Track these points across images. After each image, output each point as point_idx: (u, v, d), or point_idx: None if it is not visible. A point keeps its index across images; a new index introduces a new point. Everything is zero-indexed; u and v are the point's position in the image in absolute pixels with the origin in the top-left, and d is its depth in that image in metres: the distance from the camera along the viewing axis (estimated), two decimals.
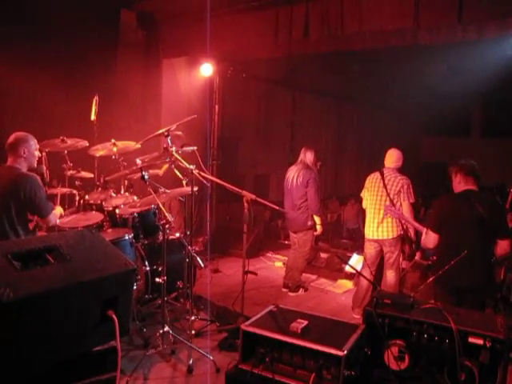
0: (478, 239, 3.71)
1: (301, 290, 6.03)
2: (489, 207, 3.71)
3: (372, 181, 5.11)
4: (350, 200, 9.40)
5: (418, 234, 4.90)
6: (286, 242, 8.83)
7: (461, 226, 3.77)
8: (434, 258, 5.84)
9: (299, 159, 5.85)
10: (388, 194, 4.92)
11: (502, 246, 3.72)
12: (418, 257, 6.00)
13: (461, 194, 3.85)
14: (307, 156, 5.79)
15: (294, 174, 5.80)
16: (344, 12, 5.58)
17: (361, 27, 5.50)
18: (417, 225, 4.54)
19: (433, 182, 12.41)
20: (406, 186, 4.91)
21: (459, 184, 3.88)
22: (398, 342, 2.77)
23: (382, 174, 5.04)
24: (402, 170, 5.12)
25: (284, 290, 6.08)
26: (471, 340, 2.61)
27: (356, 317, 5.11)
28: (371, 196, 5.08)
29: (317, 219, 5.80)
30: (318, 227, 5.86)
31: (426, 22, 5.03)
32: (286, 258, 7.46)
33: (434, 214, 4.11)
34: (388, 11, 5.30)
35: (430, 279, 3.56)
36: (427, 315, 2.79)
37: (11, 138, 3.70)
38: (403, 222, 4.92)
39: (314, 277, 6.80)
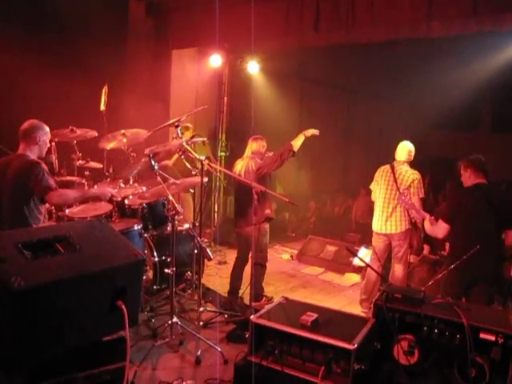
0: (489, 230, 3.85)
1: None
2: (499, 199, 3.93)
3: (382, 174, 5.06)
4: (360, 191, 9.26)
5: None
6: (294, 235, 8.84)
7: (473, 217, 3.91)
8: (443, 252, 5.85)
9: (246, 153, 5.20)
10: (398, 189, 4.88)
11: (511, 236, 3.88)
12: (426, 251, 5.97)
13: (473, 188, 3.98)
14: (255, 147, 5.13)
15: (240, 169, 5.06)
16: (355, 3, 5.51)
17: (372, 19, 5.42)
18: (425, 214, 4.50)
19: (441, 176, 12.32)
20: (416, 181, 4.87)
21: (469, 178, 4.01)
22: (407, 336, 2.76)
23: (393, 168, 4.99)
24: (410, 165, 5.07)
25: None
26: (482, 336, 2.59)
27: (364, 311, 5.09)
28: (380, 189, 5.03)
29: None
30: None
31: (440, 13, 4.95)
32: (294, 251, 7.48)
33: (447, 206, 4.28)
34: (400, 2, 5.22)
35: (441, 274, 3.55)
36: (438, 310, 2.77)
37: (26, 125, 3.67)
38: (412, 215, 4.88)
39: (321, 269, 6.78)
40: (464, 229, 3.96)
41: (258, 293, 5.08)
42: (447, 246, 5.16)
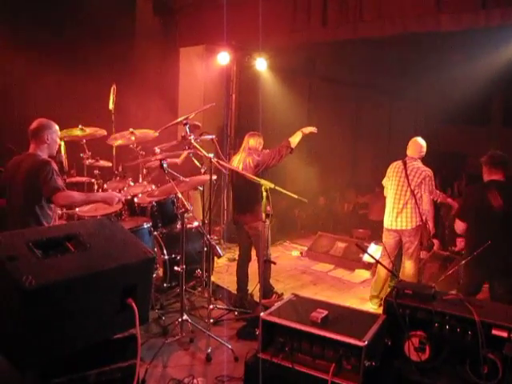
0: (500, 226, 3.91)
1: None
2: (509, 196, 3.93)
3: (394, 170, 5.03)
4: (375, 190, 9.12)
5: (436, 225, 4.88)
6: (303, 231, 8.82)
7: (483, 214, 4.00)
8: (453, 248, 5.83)
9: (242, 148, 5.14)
10: (409, 185, 4.85)
11: None
12: (436, 247, 5.93)
13: (485, 185, 4.08)
14: (252, 143, 5.06)
15: (238, 164, 5.01)
16: None
17: (380, 13, 5.38)
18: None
19: (452, 171, 12.22)
20: (427, 178, 4.84)
21: (485, 174, 4.13)
22: (418, 333, 2.74)
23: (405, 164, 4.95)
24: (422, 161, 5.04)
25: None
26: (495, 332, 2.56)
27: (373, 307, 5.07)
28: (392, 185, 5.01)
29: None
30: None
31: (448, 6, 4.89)
32: (304, 248, 7.47)
33: (461, 204, 4.45)
34: None
35: (452, 269, 3.54)
36: (449, 306, 2.75)
37: (35, 124, 3.70)
38: (422, 212, 4.85)
39: (331, 266, 6.77)
40: (477, 224, 4.06)
41: (267, 290, 5.08)
42: (458, 241, 5.15)
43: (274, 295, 5.22)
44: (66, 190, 3.65)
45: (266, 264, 4.89)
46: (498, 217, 3.91)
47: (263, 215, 4.00)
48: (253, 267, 6.27)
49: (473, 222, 4.12)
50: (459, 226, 4.25)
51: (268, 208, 4.52)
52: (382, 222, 5.20)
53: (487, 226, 3.97)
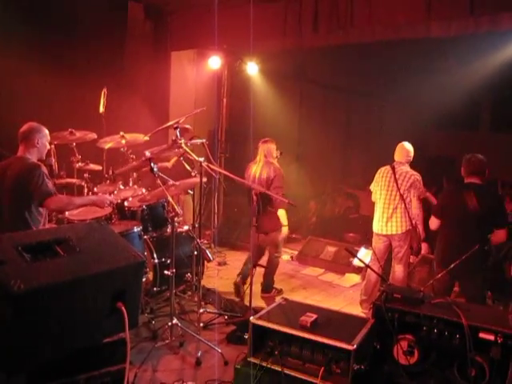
0: (472, 227, 4.04)
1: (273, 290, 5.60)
2: (486, 199, 4.06)
3: (383, 175, 5.06)
4: (365, 188, 9.12)
5: (426, 229, 4.92)
6: (294, 236, 8.82)
7: (457, 214, 4.15)
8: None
9: (258, 156, 5.34)
10: (398, 189, 4.89)
11: (497, 235, 4.08)
12: (424, 250, 5.98)
13: (462, 186, 4.22)
14: (266, 149, 5.28)
15: (255, 172, 5.25)
16: (353, 3, 5.52)
17: (370, 19, 5.43)
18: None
19: (441, 176, 12.30)
20: (417, 183, 4.88)
21: (463, 176, 4.26)
22: (407, 336, 2.76)
23: (394, 169, 4.99)
24: (410, 165, 5.08)
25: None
26: (482, 335, 2.59)
27: (364, 311, 5.09)
28: (381, 190, 5.03)
29: (282, 215, 5.20)
30: (284, 229, 5.28)
31: (438, 14, 4.96)
32: (294, 252, 7.48)
33: (438, 202, 4.58)
34: (398, 2, 5.23)
35: (442, 273, 3.57)
36: (437, 310, 2.77)
37: (25, 127, 3.68)
38: (412, 216, 4.89)
39: (321, 270, 6.78)
40: (450, 223, 4.23)
41: (269, 284, 5.48)
42: (423, 245, 5.25)
43: (274, 290, 5.55)
44: (57, 194, 3.64)
45: (273, 260, 5.40)
46: (472, 218, 4.02)
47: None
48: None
49: (447, 220, 4.26)
50: (433, 222, 4.38)
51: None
52: (371, 217, 5.21)
53: (460, 225, 4.11)
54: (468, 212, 4.03)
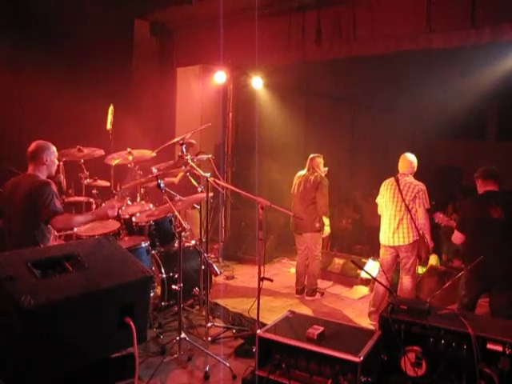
0: (500, 236, 3.99)
1: (317, 294, 6.04)
2: (507, 206, 4.02)
3: (387, 187, 5.08)
4: (368, 199, 9.20)
5: (435, 239, 4.91)
6: None
7: (483, 225, 4.07)
8: (451, 264, 5.85)
9: (307, 166, 6.04)
10: (403, 200, 4.89)
11: None
12: (433, 261, 5.96)
13: (481, 196, 4.20)
14: (314, 163, 5.98)
15: (302, 179, 5.98)
16: (356, 17, 5.60)
17: (373, 32, 5.50)
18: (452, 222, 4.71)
19: (447, 185, 12.27)
20: (421, 192, 4.88)
21: (480, 188, 4.24)
22: (414, 348, 2.76)
23: (397, 180, 5.00)
24: (416, 175, 5.09)
25: (297, 295, 6.07)
26: (490, 346, 2.58)
27: (372, 323, 5.07)
28: (386, 202, 5.05)
29: (326, 220, 5.91)
30: (327, 228, 5.95)
31: (439, 26, 5.01)
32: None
33: (459, 215, 4.55)
34: (400, 15, 5.30)
35: (448, 284, 3.56)
36: (444, 321, 2.77)
37: (33, 146, 3.74)
38: (419, 226, 4.89)
39: (329, 283, 6.77)
40: (476, 236, 4.13)
41: (312, 288, 6.00)
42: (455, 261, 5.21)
43: (318, 294, 6.03)
44: (64, 212, 3.68)
45: (315, 263, 5.98)
46: (498, 226, 3.97)
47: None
48: (252, 285, 6.31)
49: (472, 234, 4.18)
50: (458, 237, 4.30)
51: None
52: (378, 229, 5.22)
53: (488, 236, 4.03)
54: (493, 221, 3.99)
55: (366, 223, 9.35)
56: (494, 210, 4.00)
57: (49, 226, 3.64)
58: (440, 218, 4.71)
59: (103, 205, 4.91)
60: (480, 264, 3.54)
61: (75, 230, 4.39)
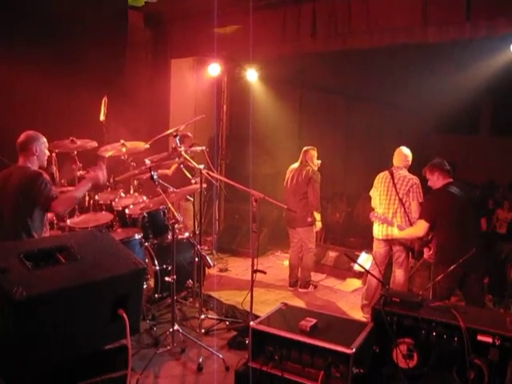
0: (471, 224, 4.16)
1: (311, 286, 6.07)
2: (468, 192, 4.29)
3: (381, 180, 5.09)
4: (361, 194, 9.24)
5: None
6: None
7: (458, 214, 4.16)
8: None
9: (300, 159, 6.01)
10: (397, 194, 4.91)
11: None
12: (426, 255, 5.99)
13: (447, 187, 4.26)
14: (308, 156, 5.97)
15: (294, 173, 5.98)
16: (351, 10, 5.57)
17: (368, 25, 5.48)
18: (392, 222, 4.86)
19: None
20: (415, 186, 4.90)
21: (438, 180, 4.33)
22: (406, 340, 2.78)
23: (392, 174, 5.02)
24: (410, 169, 5.11)
25: (290, 288, 6.09)
26: (480, 338, 2.61)
27: (365, 316, 5.10)
28: (380, 195, 5.06)
29: (317, 215, 5.97)
30: (318, 223, 6.01)
31: (435, 19, 5.00)
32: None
33: (429, 207, 4.44)
34: (396, 8, 5.28)
35: (439, 277, 3.58)
36: (436, 313, 2.80)
37: (22, 137, 3.70)
38: (412, 220, 4.91)
39: (323, 276, 6.80)
40: (451, 227, 4.17)
41: (306, 280, 6.05)
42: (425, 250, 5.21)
43: (311, 286, 6.09)
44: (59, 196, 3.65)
45: (308, 256, 6.04)
46: (468, 215, 4.12)
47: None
48: (245, 277, 6.32)
49: (445, 225, 4.20)
50: (423, 228, 4.29)
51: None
52: (370, 225, 5.24)
53: (460, 226, 4.12)
54: (462, 209, 4.14)
55: (360, 216, 9.39)
56: (463, 197, 4.16)
57: (45, 215, 3.62)
58: (376, 217, 4.85)
59: (96, 198, 4.89)
60: (455, 253, 3.66)
61: (68, 222, 4.37)
